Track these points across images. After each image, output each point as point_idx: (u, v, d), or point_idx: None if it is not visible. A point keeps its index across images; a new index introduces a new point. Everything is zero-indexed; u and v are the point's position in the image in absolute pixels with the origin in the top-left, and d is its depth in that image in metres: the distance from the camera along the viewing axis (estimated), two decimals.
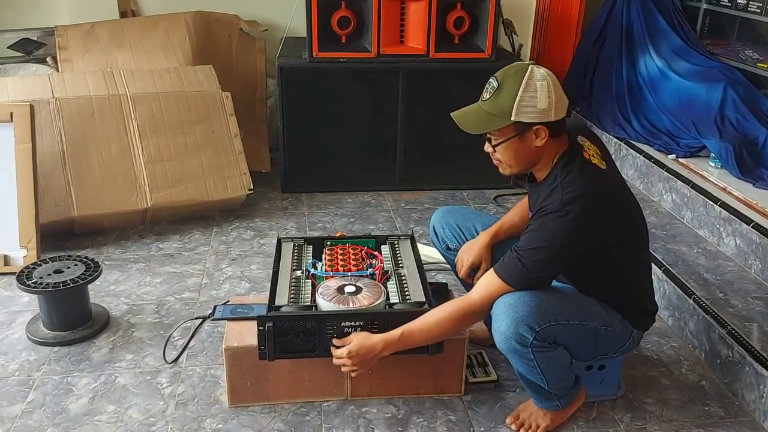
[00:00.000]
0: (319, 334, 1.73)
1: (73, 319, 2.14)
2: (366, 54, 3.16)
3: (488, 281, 1.59)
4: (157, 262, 2.65)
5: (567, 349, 1.61)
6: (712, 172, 2.95)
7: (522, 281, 1.55)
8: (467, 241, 1.95)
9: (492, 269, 1.60)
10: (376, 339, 1.65)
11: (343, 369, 1.70)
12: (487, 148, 1.67)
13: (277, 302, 1.79)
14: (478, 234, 1.92)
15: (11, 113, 2.58)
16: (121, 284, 2.48)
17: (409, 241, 2.15)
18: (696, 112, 3.17)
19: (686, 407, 1.92)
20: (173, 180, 2.89)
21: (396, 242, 2.15)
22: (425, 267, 2.02)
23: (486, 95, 1.61)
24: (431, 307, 1.77)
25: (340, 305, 1.78)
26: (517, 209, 1.97)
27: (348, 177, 3.40)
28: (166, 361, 2.04)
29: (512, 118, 1.56)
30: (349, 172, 3.40)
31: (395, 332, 1.65)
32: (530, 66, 1.57)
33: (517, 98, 1.53)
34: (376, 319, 1.74)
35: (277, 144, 3.36)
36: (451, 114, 1.68)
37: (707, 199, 2.73)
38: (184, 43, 3.29)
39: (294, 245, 2.11)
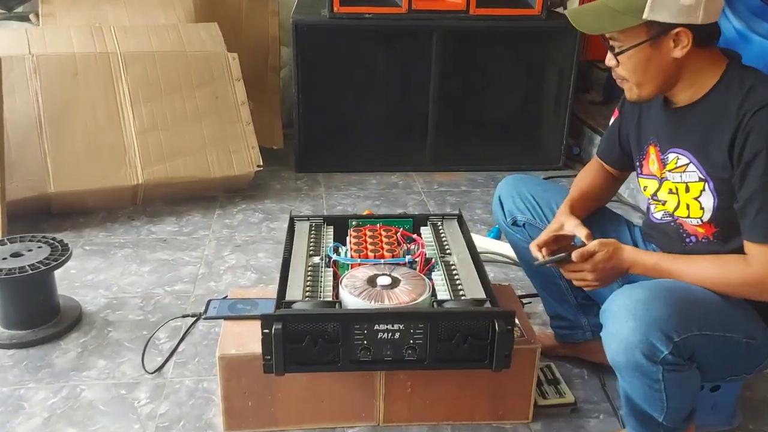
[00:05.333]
0: (343, 340, 1.28)
1: (33, 314, 1.72)
2: (395, 9, 2.72)
3: (763, 250, 1.14)
4: (147, 247, 2.22)
5: (699, 368, 1.16)
6: None
7: None
8: (542, 217, 1.51)
9: (750, 239, 1.15)
10: (627, 254, 1.26)
11: (578, 283, 1.33)
12: (609, 60, 1.27)
13: (289, 297, 1.35)
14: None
15: None
16: (101, 273, 2.05)
17: (456, 222, 1.70)
18: None
19: None
20: (169, 153, 2.46)
21: (439, 223, 1.70)
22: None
23: None
24: (495, 305, 1.32)
25: (372, 302, 1.33)
26: (588, 173, 1.56)
27: (372, 155, 2.98)
28: (146, 371, 1.60)
29: (644, 16, 1.14)
30: (373, 149, 2.98)
31: (647, 256, 1.27)
32: None
33: None
34: (421, 321, 1.29)
35: (290, 118, 2.94)
36: (567, 12, 1.30)
37: None
38: None
39: (311, 225, 1.67)
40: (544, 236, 1.38)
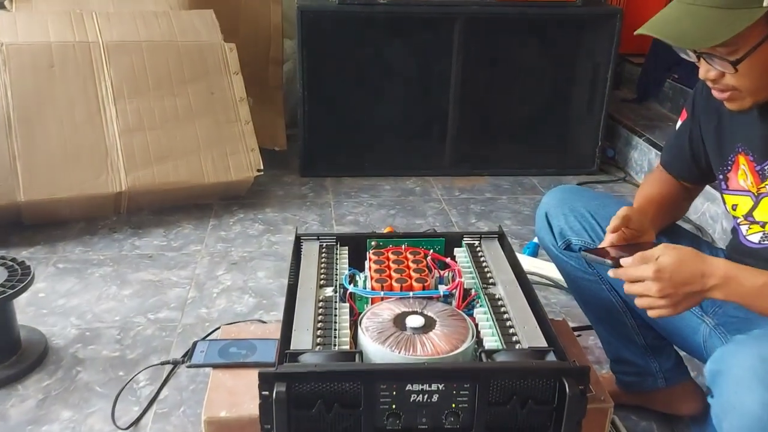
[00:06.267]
0: (366, 404, 0.98)
1: None
2: None
3: None
4: (129, 265, 1.93)
5: None
6: None
7: None
8: (603, 234, 1.22)
9: None
10: (714, 265, 0.94)
11: (640, 302, 1.00)
12: (709, 73, 0.98)
13: (295, 345, 1.05)
14: None
15: None
16: (74, 297, 1.76)
17: (497, 242, 1.40)
18: None
19: None
20: (157, 156, 2.17)
21: (477, 244, 1.40)
22: None
23: None
24: (563, 358, 1.02)
25: (402, 351, 1.03)
26: (653, 182, 1.28)
27: (385, 157, 2.69)
28: (116, 426, 1.30)
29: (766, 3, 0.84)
30: (386, 151, 2.70)
31: (752, 274, 0.94)
32: None
33: None
34: (467, 380, 0.99)
35: (295, 117, 2.65)
36: (643, 29, 0.99)
37: None
38: None
39: (321, 246, 1.37)
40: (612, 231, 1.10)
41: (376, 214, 2.34)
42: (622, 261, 1.00)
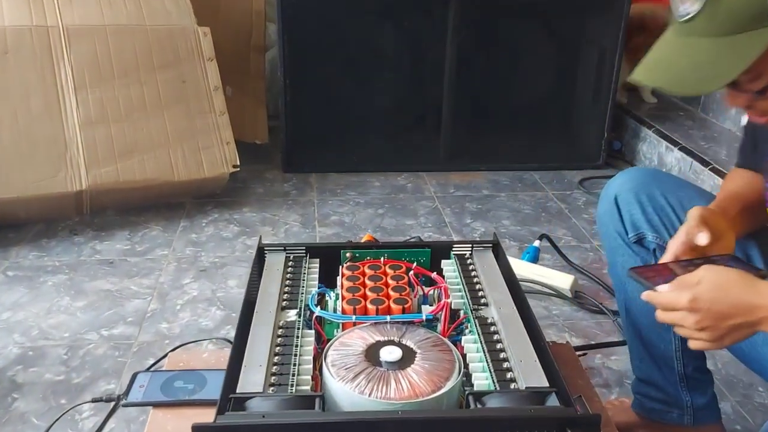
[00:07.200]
0: None
1: None
2: None
3: None
4: (87, 272, 1.75)
5: None
6: None
7: None
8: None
9: None
10: (758, 294, 0.76)
11: (678, 331, 0.82)
12: (737, 100, 0.83)
13: (242, 387, 0.87)
14: None
15: None
16: (21, 309, 1.58)
17: (491, 253, 1.22)
18: None
19: None
20: (122, 151, 1.99)
21: (468, 255, 1.21)
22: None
23: (691, 7, 0.75)
24: (567, 402, 0.84)
25: (373, 393, 0.85)
26: (736, 177, 1.06)
27: (375, 152, 2.52)
28: None
29: None
30: (376, 144, 2.52)
31: None
32: None
33: None
34: (450, 431, 0.81)
35: (277, 108, 2.45)
36: (637, 75, 0.82)
37: None
38: None
39: (287, 258, 1.19)
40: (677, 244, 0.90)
41: (363, 213, 2.15)
42: (659, 289, 0.82)
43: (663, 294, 0.81)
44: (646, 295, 0.84)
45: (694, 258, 0.90)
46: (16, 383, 1.34)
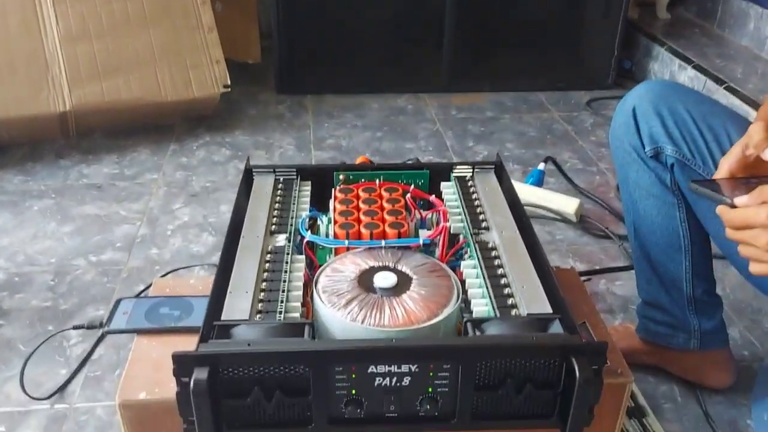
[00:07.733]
0: (317, 391, 0.76)
1: None
2: None
3: None
4: (73, 197, 1.69)
5: None
6: None
7: None
8: (705, 156, 0.94)
9: None
10: None
11: (743, 251, 0.74)
12: None
13: (227, 314, 0.82)
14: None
15: None
16: (6, 235, 1.53)
17: (493, 175, 1.15)
18: None
19: None
20: (105, 69, 1.88)
21: (469, 177, 1.14)
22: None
23: None
24: (572, 330, 0.79)
25: (365, 321, 0.80)
26: None
27: (373, 72, 2.39)
28: (26, 394, 1.10)
29: None
30: (374, 64, 2.39)
31: None
32: None
33: None
34: (444, 360, 0.76)
35: (270, 26, 2.32)
36: None
37: None
38: None
39: (277, 181, 1.12)
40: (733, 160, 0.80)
41: (361, 136, 2.07)
42: (737, 201, 0.73)
43: (740, 210, 0.73)
44: (721, 209, 0.76)
45: (750, 176, 0.82)
46: (2, 309, 1.30)
